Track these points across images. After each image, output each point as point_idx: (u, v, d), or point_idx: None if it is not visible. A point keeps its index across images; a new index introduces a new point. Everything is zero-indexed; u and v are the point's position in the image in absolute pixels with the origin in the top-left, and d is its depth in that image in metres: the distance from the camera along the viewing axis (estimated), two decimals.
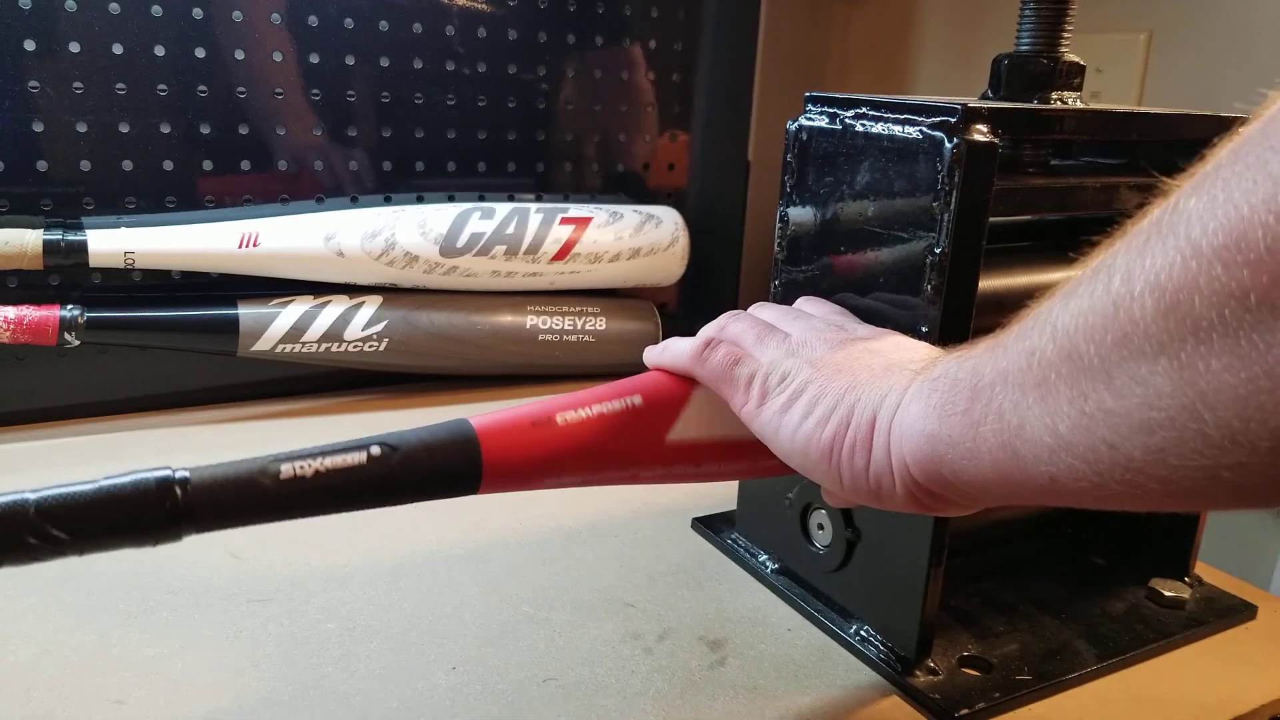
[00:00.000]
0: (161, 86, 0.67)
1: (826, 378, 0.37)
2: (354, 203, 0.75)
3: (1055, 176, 0.47)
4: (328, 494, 0.33)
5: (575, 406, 0.39)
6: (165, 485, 0.31)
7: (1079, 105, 0.47)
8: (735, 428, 0.41)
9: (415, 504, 0.36)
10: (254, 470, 0.33)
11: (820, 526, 0.48)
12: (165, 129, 0.67)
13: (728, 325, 0.42)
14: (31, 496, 0.30)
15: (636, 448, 0.40)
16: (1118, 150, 0.52)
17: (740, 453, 0.41)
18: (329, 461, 0.33)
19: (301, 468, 0.33)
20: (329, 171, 0.74)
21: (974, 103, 0.41)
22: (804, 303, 0.46)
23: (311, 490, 0.33)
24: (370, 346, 0.72)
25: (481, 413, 0.38)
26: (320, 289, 0.72)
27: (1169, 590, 0.51)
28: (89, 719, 0.39)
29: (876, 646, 0.45)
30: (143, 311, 0.67)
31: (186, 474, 0.32)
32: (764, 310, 0.44)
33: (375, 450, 0.34)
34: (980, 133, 0.40)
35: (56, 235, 0.63)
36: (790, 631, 0.48)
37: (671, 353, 0.42)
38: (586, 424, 0.39)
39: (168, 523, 0.31)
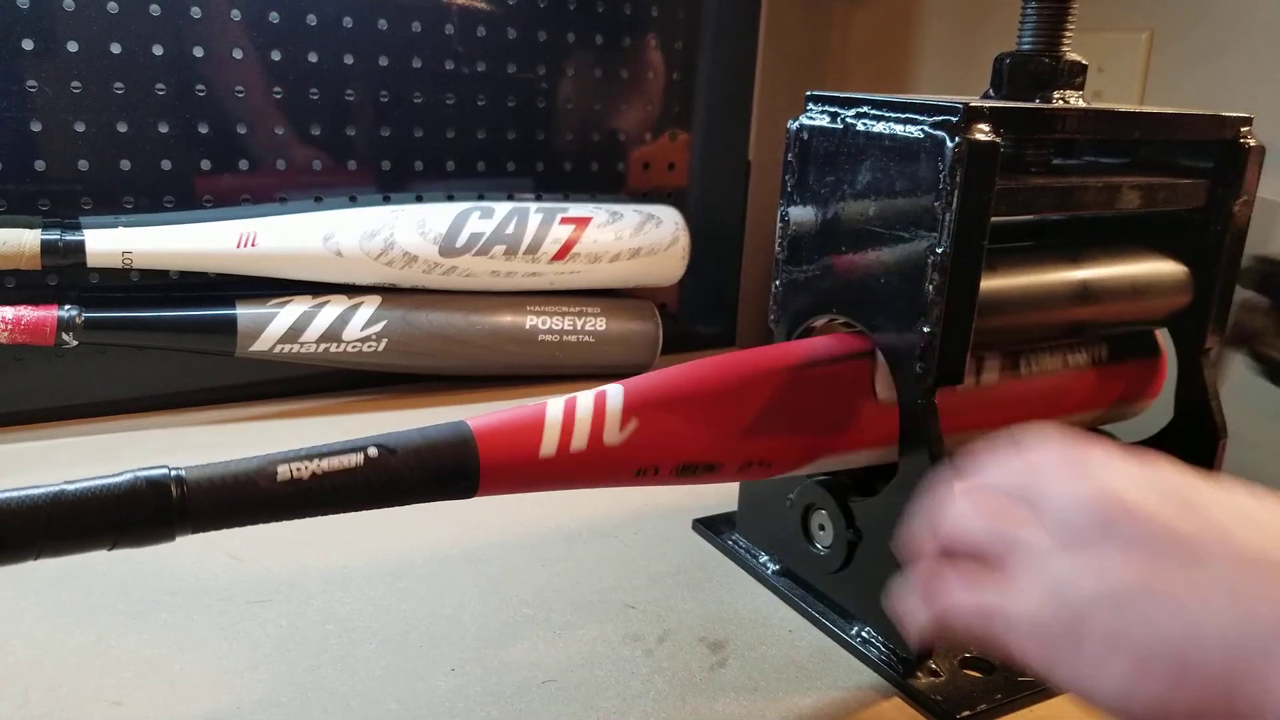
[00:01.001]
0: (160, 86, 0.66)
1: (1138, 596, 0.24)
2: (353, 202, 0.75)
3: (1057, 176, 0.47)
4: (324, 495, 0.33)
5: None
6: (160, 484, 0.31)
7: (1081, 104, 0.47)
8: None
9: (414, 504, 0.36)
10: (250, 470, 0.32)
11: (821, 528, 0.48)
12: (163, 128, 0.67)
13: (964, 525, 0.29)
14: (36, 493, 0.30)
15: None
16: (1120, 149, 0.52)
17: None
18: (325, 464, 0.33)
19: (299, 469, 0.33)
20: (327, 171, 0.74)
21: (976, 102, 0.40)
22: (1040, 452, 0.30)
23: (308, 491, 0.33)
24: (369, 347, 0.71)
25: (481, 413, 0.38)
26: (319, 289, 0.71)
27: None
28: (88, 719, 0.39)
29: (878, 648, 0.45)
30: (141, 311, 0.67)
31: (181, 473, 0.32)
32: (994, 477, 0.30)
33: (373, 452, 0.34)
34: (982, 132, 0.39)
35: (54, 235, 0.63)
36: (791, 633, 0.47)
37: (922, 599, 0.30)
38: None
39: (162, 522, 0.31)
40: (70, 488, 0.30)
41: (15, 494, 0.30)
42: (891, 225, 0.42)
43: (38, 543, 0.30)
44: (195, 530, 0.32)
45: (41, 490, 0.30)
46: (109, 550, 0.31)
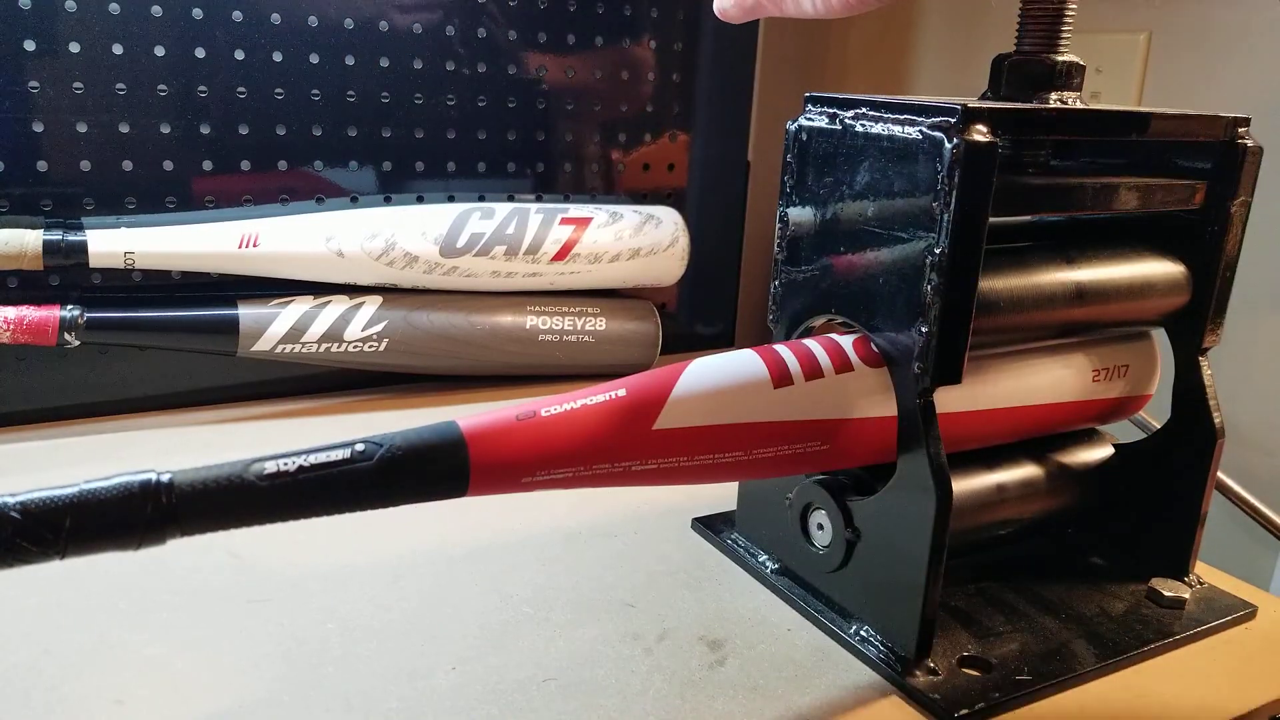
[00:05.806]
0: (161, 87, 0.67)
1: None
2: (354, 203, 0.75)
3: (1055, 176, 0.47)
4: (312, 494, 0.34)
5: (560, 402, 0.39)
6: (149, 488, 0.31)
7: (1079, 105, 0.47)
8: (724, 414, 0.41)
9: (415, 504, 0.36)
10: (237, 471, 0.33)
11: (820, 527, 0.48)
12: (165, 129, 0.67)
13: None
14: (12, 499, 0.30)
15: (624, 439, 0.40)
16: (1117, 150, 0.52)
17: (732, 439, 0.41)
18: (312, 458, 0.34)
19: (285, 465, 0.33)
20: (329, 171, 0.74)
21: (974, 103, 0.41)
22: None
23: (296, 490, 0.33)
24: (370, 347, 0.72)
25: (477, 413, 0.38)
26: (320, 289, 0.72)
27: (1169, 590, 0.51)
28: (89, 719, 0.39)
29: (876, 646, 0.45)
30: (142, 312, 0.67)
31: (170, 477, 0.32)
32: None
33: (360, 447, 0.34)
34: (980, 133, 0.40)
35: (56, 235, 0.63)
36: (790, 631, 0.48)
37: None
38: (571, 416, 0.39)
39: (152, 525, 0.31)
40: (56, 491, 0.30)
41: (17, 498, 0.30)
42: (890, 226, 0.43)
43: (22, 544, 0.30)
44: (185, 534, 0.32)
45: (25, 493, 0.30)
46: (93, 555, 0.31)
